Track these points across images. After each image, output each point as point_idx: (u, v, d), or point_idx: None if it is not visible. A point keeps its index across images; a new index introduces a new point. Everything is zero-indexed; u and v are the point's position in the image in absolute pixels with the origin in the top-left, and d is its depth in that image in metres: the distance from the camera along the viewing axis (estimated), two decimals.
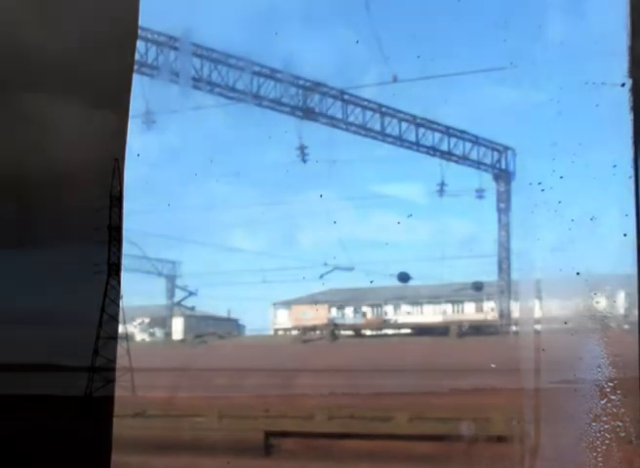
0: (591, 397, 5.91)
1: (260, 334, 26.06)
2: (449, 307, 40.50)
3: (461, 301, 38.58)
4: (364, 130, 23.14)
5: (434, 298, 39.38)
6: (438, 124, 24.07)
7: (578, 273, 6.12)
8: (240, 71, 20.39)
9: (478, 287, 27.61)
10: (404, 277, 26.26)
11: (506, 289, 23.95)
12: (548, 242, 7.23)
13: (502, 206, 24.99)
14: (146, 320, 30.57)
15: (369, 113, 23.17)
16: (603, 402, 5.79)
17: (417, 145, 23.78)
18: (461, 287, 30.92)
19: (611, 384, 5.85)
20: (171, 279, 31.01)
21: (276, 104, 21.25)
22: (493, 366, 9.79)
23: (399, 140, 23.55)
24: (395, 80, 20.54)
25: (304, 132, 21.89)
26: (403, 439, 9.85)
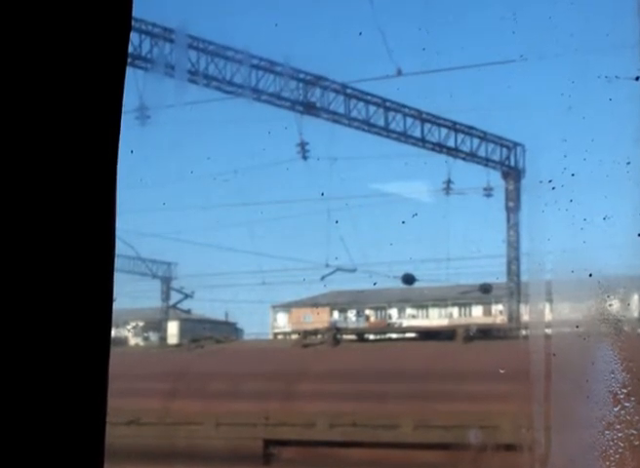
0: (604, 404, 5.69)
1: (258, 339, 25.83)
2: (455, 310, 40.35)
3: (469, 304, 38.45)
4: (367, 125, 22.94)
5: (440, 301, 39.21)
6: (444, 119, 23.84)
7: (590, 275, 5.90)
8: (238, 64, 20.21)
9: (486, 289, 27.38)
10: (409, 279, 26.04)
11: (516, 291, 23.72)
12: (559, 242, 7.00)
13: (512, 205, 24.76)
14: (140, 323, 30.41)
15: (372, 108, 22.95)
16: (616, 409, 5.57)
17: (422, 141, 23.56)
18: (469, 289, 30.72)
19: (624, 390, 5.64)
20: (166, 281, 30.81)
21: (276, 99, 21.06)
22: (501, 371, 9.53)
23: (404, 136, 23.33)
24: (400, 73, 20.33)
25: (305, 128, 21.70)
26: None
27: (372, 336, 15.18)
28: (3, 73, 1.17)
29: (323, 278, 24.26)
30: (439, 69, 20.18)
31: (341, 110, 22.33)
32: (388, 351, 12.48)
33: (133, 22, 1.34)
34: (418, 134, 23.44)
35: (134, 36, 16.46)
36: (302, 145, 21.68)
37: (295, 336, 19.68)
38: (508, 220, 24.95)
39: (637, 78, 5.80)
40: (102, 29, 1.29)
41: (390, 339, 14.87)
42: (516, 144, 24.62)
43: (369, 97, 22.77)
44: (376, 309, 40.71)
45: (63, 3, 1.21)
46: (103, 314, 1.25)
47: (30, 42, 1.21)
